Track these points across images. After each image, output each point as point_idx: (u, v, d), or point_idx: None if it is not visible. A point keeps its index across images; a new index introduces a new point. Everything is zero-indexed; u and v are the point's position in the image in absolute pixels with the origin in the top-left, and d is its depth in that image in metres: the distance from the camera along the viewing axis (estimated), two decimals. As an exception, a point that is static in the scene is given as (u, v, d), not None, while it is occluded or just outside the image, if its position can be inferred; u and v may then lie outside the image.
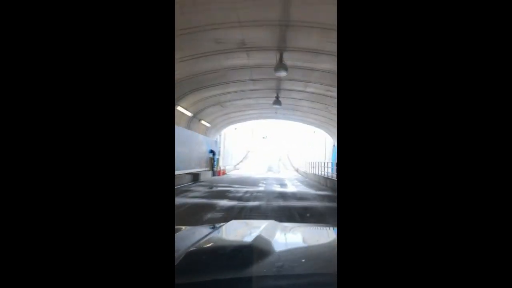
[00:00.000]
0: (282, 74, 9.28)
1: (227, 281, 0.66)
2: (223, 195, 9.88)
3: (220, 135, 23.30)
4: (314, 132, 29.83)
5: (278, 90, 13.38)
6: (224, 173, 22.82)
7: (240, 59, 9.48)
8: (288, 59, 9.00)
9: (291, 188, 13.54)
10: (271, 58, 9.07)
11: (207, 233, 1.12)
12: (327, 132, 20.60)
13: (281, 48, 8.61)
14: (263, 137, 59.39)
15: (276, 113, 19.22)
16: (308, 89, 12.61)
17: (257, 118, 21.92)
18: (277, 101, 14.07)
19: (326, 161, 20.08)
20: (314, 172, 21.29)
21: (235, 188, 12.27)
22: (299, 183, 16.79)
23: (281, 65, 9.03)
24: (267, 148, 49.33)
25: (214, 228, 1.26)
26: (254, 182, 15.69)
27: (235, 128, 32.24)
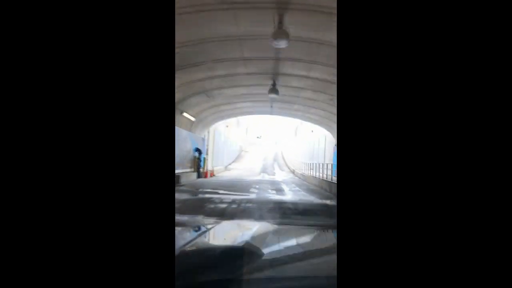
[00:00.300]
0: (282, 44, 6.87)
1: (219, 283, 0.65)
2: (200, 206, 7.43)
3: (208, 132, 20.79)
4: (312, 131, 28.14)
5: (275, 75, 10.95)
6: (212, 175, 20.35)
7: (225, 24, 7.03)
8: (291, 24, 6.58)
9: (289, 195, 11.12)
10: (268, 23, 6.64)
11: (194, 236, 1.15)
12: (329, 130, 18.23)
13: (281, 5, 6.18)
14: (258, 137, 57.77)
15: (271, 107, 16.81)
16: (313, 74, 10.20)
17: (250, 113, 19.41)
18: (274, 89, 11.64)
19: (326, 162, 17.93)
20: (314, 175, 19.01)
21: (220, 195, 9.81)
22: (298, 188, 14.36)
23: (281, 31, 6.62)
24: (261, 148, 47.68)
25: (198, 230, 1.25)
26: (245, 187, 13.23)
27: (227, 126, 29.96)
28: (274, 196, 10.38)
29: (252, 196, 10.13)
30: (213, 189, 11.57)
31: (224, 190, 11.35)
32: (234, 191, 11.26)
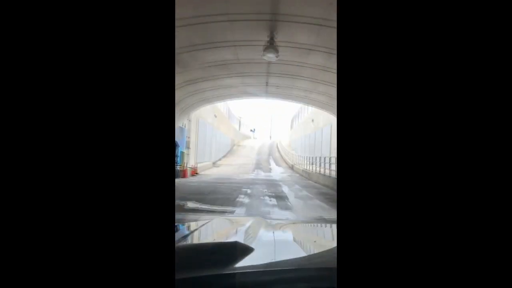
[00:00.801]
0: None
1: (215, 277, 0.67)
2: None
3: (189, 121, 16.79)
4: (313, 120, 24.88)
5: (273, 20, 7.01)
6: (194, 173, 16.41)
7: None
8: None
9: (299, 210, 7.22)
10: None
11: (187, 232, 1.16)
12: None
13: None
14: (251, 130, 54.72)
15: (267, 85, 12.88)
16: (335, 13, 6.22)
17: (240, 94, 15.37)
18: (272, 47, 7.72)
19: (333, 155, 14.26)
20: (320, 171, 15.18)
21: (184, 213, 5.87)
22: (305, 192, 10.47)
23: None
24: (255, 142, 44.51)
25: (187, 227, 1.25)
26: (231, 192, 9.31)
27: (215, 116, 26.10)
28: (275, 212, 6.45)
29: (239, 211, 6.21)
30: (182, 198, 7.60)
31: (198, 201, 7.39)
32: (212, 202, 7.31)
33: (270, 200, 8.19)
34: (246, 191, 9.96)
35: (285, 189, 11.11)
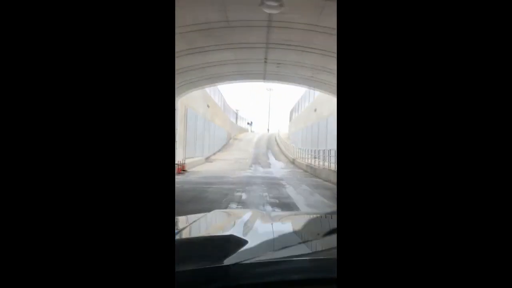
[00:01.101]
0: None
1: (209, 270, 0.68)
2: None
3: (176, 109, 14.37)
4: (315, 110, 22.76)
5: None
6: (181, 171, 14.05)
7: None
8: None
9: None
10: None
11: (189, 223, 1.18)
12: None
13: None
14: (248, 123, 52.87)
15: (265, 62, 10.51)
16: None
17: (233, 76, 12.92)
18: (274, -10, 5.30)
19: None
20: (330, 167, 12.88)
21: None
22: (318, 195, 8.12)
23: None
24: (253, 135, 42.58)
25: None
26: (219, 198, 6.94)
27: (208, 106, 23.70)
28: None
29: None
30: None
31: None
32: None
33: (272, 207, 5.83)
34: (241, 196, 7.58)
35: (291, 192, 8.73)
